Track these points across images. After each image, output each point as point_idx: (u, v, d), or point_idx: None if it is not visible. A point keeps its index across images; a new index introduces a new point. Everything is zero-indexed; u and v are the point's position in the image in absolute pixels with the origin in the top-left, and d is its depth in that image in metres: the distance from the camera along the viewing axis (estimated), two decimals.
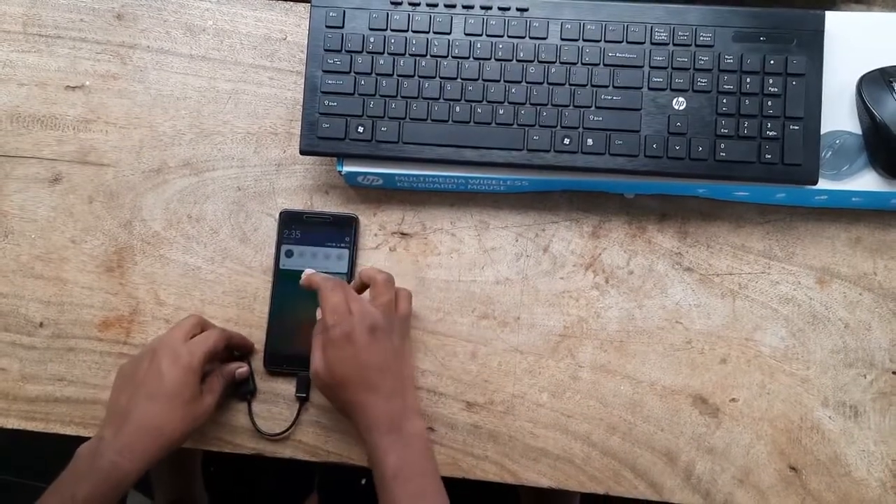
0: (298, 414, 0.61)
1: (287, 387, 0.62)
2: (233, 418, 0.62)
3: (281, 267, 0.63)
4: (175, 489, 0.90)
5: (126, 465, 0.52)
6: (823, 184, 0.58)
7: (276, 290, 0.63)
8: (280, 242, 0.63)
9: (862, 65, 0.59)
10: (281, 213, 0.64)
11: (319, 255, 0.63)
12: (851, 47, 0.59)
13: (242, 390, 0.62)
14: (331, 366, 0.54)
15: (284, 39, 0.67)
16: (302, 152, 0.61)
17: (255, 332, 0.63)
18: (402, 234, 0.64)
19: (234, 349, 0.62)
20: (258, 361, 0.62)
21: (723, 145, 0.57)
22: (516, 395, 0.62)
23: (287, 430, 0.61)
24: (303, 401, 0.62)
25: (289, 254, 0.63)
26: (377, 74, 0.60)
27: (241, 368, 0.61)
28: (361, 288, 0.60)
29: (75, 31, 0.68)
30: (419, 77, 0.60)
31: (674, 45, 0.59)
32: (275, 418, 0.62)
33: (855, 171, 0.59)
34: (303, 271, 0.60)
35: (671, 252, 0.63)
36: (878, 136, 0.57)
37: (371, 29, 0.60)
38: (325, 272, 0.61)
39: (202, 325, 0.59)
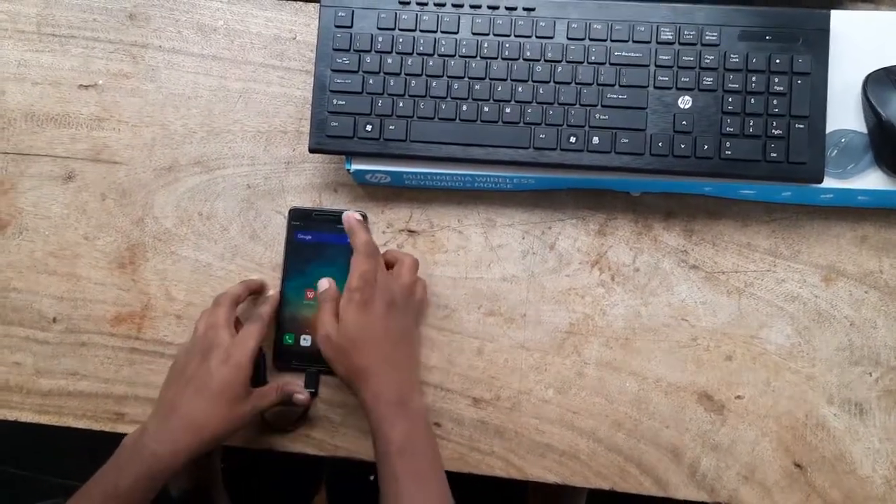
0: (308, 408, 0.62)
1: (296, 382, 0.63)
2: None
3: (290, 264, 0.64)
4: (189, 478, 0.91)
5: (167, 457, 0.53)
6: (829, 182, 0.58)
7: (286, 286, 0.63)
8: (289, 240, 0.64)
9: (868, 64, 0.59)
10: (290, 211, 0.64)
11: (328, 252, 0.64)
12: (857, 46, 0.60)
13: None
14: (345, 328, 0.55)
15: (294, 39, 0.68)
16: (311, 150, 0.61)
17: None
18: (410, 231, 0.65)
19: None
20: (268, 359, 0.63)
21: (728, 144, 0.58)
22: (522, 392, 0.62)
23: (295, 421, 0.62)
24: (312, 396, 0.62)
25: (298, 251, 0.64)
26: (385, 73, 0.60)
27: (302, 395, 0.60)
28: (386, 266, 0.60)
29: (88, 30, 0.69)
30: (427, 76, 0.60)
31: (679, 44, 0.59)
32: (284, 414, 0.62)
33: (861, 169, 0.59)
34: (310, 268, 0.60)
35: (677, 250, 0.63)
36: (884, 134, 0.58)
37: (379, 28, 0.61)
38: (333, 270, 0.62)
39: (235, 298, 0.61)
